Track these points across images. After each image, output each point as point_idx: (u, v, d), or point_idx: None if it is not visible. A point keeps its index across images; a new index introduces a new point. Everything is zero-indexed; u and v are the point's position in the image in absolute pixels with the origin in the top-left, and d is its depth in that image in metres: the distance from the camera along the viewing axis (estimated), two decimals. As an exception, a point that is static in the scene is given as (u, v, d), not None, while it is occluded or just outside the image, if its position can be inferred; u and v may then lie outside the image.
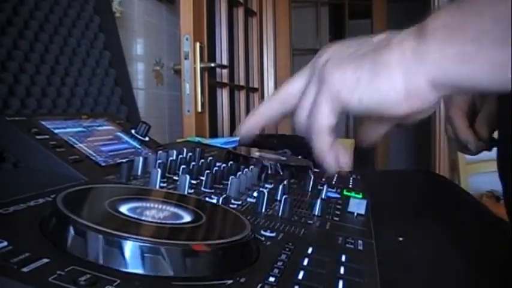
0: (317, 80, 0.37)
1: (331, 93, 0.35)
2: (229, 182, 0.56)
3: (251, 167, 0.66)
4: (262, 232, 0.41)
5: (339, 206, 0.57)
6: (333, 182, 0.73)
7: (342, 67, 0.35)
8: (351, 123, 3.81)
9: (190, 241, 0.32)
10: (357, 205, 0.56)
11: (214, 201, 0.48)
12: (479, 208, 0.70)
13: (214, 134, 2.20)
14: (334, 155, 0.38)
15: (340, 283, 0.33)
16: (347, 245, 0.43)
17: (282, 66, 3.21)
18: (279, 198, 0.54)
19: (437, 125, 2.82)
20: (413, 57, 0.32)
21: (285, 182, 0.60)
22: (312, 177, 0.66)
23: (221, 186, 0.58)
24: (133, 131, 0.75)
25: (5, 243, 0.28)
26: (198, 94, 1.86)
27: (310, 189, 0.65)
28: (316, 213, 0.51)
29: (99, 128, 0.71)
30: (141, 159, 0.58)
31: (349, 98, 0.35)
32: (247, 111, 2.79)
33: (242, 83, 2.68)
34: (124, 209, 0.35)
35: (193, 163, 0.63)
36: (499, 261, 0.50)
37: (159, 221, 0.34)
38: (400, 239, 0.58)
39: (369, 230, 0.50)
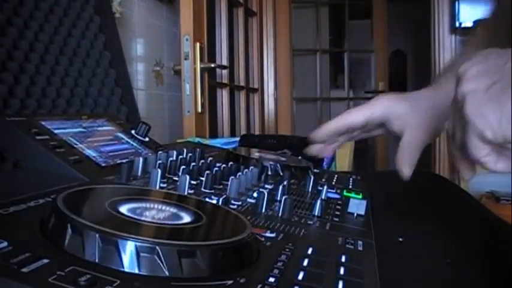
0: (461, 116, 0.40)
1: (477, 133, 0.38)
2: (229, 183, 0.56)
3: (251, 167, 0.66)
4: (262, 233, 0.41)
5: (338, 207, 0.57)
6: (333, 183, 0.73)
7: (484, 109, 0.38)
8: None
9: (190, 241, 0.32)
10: (357, 206, 0.56)
11: (214, 201, 0.48)
12: (479, 208, 0.70)
13: (214, 134, 2.20)
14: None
15: (340, 283, 0.33)
16: (347, 246, 0.43)
17: (282, 66, 3.21)
18: (279, 198, 0.54)
19: (437, 125, 2.81)
20: None
21: (285, 183, 0.60)
22: (312, 178, 0.66)
23: (221, 186, 0.58)
24: (133, 132, 0.75)
25: (5, 243, 0.28)
26: (198, 94, 1.86)
27: (310, 189, 0.65)
28: (316, 214, 0.51)
29: (99, 128, 0.71)
30: (141, 159, 0.58)
31: (494, 138, 0.37)
32: (247, 111, 2.79)
33: (242, 83, 2.68)
34: (124, 209, 0.35)
35: (193, 163, 0.63)
36: (498, 261, 0.50)
37: (159, 221, 0.34)
38: (400, 239, 0.58)
39: (369, 230, 0.50)
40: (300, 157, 0.90)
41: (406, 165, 0.54)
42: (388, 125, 0.58)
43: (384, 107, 0.57)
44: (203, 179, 0.56)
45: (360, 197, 0.63)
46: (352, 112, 0.58)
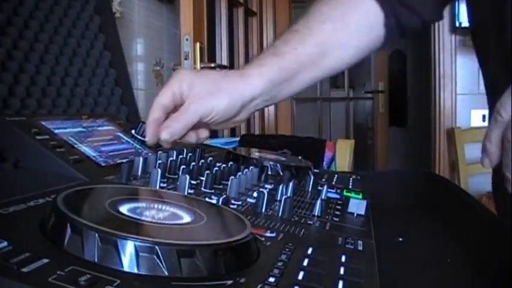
0: None
1: None
2: (229, 183, 0.56)
3: (251, 167, 0.66)
4: (262, 233, 0.41)
5: (338, 207, 0.57)
6: (333, 183, 0.73)
7: None
8: (350, 125, 3.82)
9: (189, 241, 0.32)
10: (357, 205, 0.56)
11: (214, 201, 0.48)
12: (479, 208, 0.70)
13: (214, 134, 2.20)
14: None
15: (340, 283, 0.33)
16: (347, 245, 0.43)
17: (282, 66, 3.21)
18: (279, 198, 0.54)
19: (437, 125, 2.82)
20: None
21: (286, 183, 0.60)
22: (312, 178, 0.66)
23: (221, 186, 0.58)
24: (133, 131, 0.75)
25: (5, 243, 0.28)
26: (198, 94, 1.85)
27: (310, 189, 0.65)
28: (316, 214, 0.51)
29: (99, 128, 0.71)
30: (141, 159, 0.58)
31: None
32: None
33: (242, 83, 2.67)
34: (124, 209, 0.35)
35: (193, 163, 0.63)
36: (498, 261, 0.50)
37: (158, 221, 0.34)
38: (400, 239, 0.58)
39: (369, 230, 0.50)
40: (300, 157, 0.90)
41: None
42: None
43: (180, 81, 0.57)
44: (203, 178, 0.56)
45: (360, 197, 0.63)
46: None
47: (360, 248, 0.43)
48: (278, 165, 0.74)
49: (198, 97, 0.57)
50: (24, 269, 0.26)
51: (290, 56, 0.62)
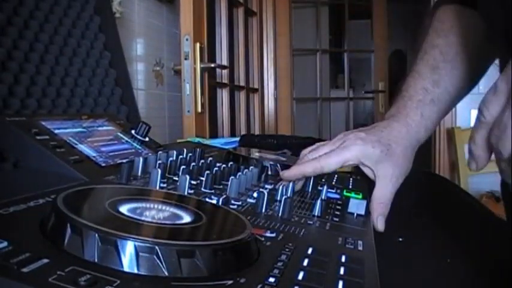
0: None
1: None
2: (229, 183, 0.56)
3: (251, 167, 0.66)
4: (262, 233, 0.41)
5: (338, 207, 0.57)
6: (333, 183, 0.73)
7: None
8: (350, 125, 3.81)
9: (189, 241, 0.32)
10: (357, 205, 0.55)
11: (214, 201, 0.48)
12: (479, 208, 0.70)
13: (214, 134, 2.20)
14: None
15: (340, 283, 0.33)
16: (347, 245, 0.42)
17: (282, 66, 3.21)
18: (278, 198, 0.54)
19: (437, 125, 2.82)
20: None
21: (285, 183, 0.60)
22: (312, 178, 0.66)
23: (221, 186, 0.58)
24: (133, 132, 0.75)
25: (5, 243, 0.28)
26: (198, 94, 1.86)
27: (310, 189, 0.65)
28: (316, 214, 0.51)
29: (99, 128, 0.71)
30: (141, 159, 0.58)
31: None
32: (247, 111, 2.79)
33: (242, 83, 2.68)
34: (124, 209, 0.35)
35: (193, 163, 0.63)
36: (498, 261, 0.50)
37: (159, 221, 0.34)
38: (400, 239, 0.58)
39: (369, 230, 0.50)
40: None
41: (380, 219, 0.56)
42: (361, 168, 0.60)
43: (356, 154, 0.58)
44: (203, 179, 0.56)
45: (360, 197, 0.63)
46: (325, 160, 0.58)
47: (360, 248, 0.43)
48: (278, 165, 0.74)
49: (388, 179, 0.59)
50: (24, 269, 0.26)
51: (444, 97, 0.65)
